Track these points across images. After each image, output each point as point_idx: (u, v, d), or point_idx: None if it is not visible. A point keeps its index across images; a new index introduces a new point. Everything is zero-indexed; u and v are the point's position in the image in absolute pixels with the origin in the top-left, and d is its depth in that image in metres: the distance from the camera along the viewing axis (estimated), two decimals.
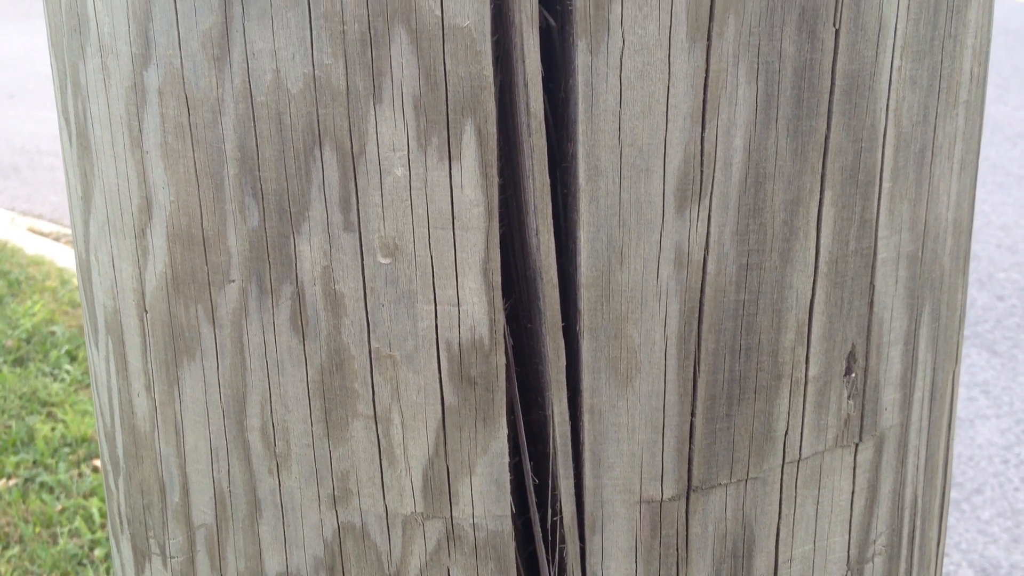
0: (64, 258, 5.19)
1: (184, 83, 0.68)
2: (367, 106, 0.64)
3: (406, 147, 0.65)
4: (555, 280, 0.67)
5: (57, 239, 5.61)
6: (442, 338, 0.68)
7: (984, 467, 3.63)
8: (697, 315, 0.68)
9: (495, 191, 0.65)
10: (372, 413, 0.69)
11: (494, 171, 0.65)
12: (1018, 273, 4.89)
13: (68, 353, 4.21)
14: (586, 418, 0.69)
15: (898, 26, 0.68)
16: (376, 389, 0.69)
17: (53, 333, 4.35)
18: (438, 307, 0.67)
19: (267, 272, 0.69)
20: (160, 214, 0.71)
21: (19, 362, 4.17)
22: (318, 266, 0.68)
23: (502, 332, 0.67)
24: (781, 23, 0.65)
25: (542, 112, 0.65)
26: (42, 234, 5.66)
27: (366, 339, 0.68)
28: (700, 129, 0.65)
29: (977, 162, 0.80)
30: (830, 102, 0.67)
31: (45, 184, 6.50)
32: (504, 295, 0.69)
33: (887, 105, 0.69)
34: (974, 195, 0.80)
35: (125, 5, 0.69)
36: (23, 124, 7.60)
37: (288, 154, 0.66)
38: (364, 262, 0.67)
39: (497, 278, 0.67)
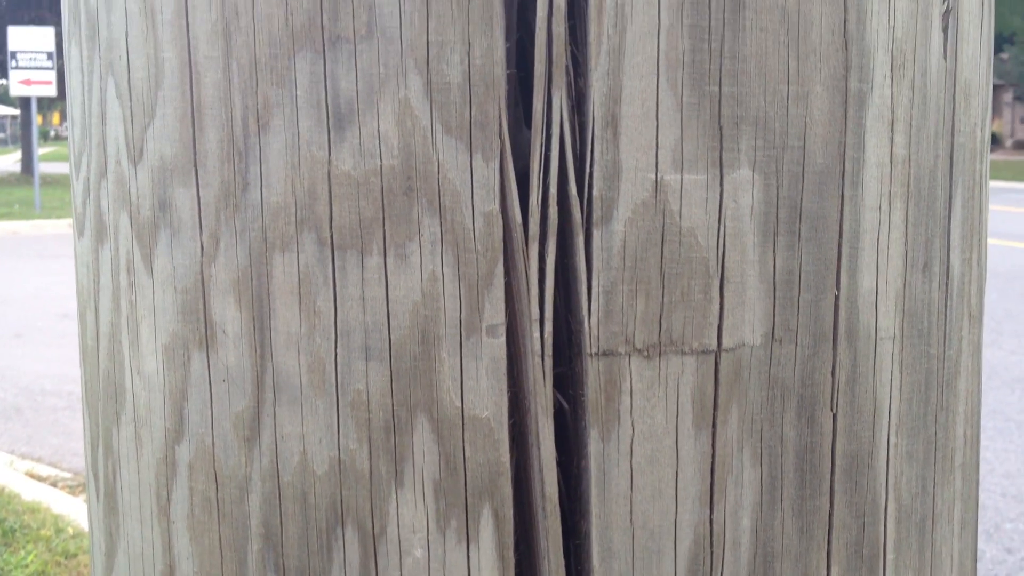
0: (60, 504, 5.14)
1: (214, 460, 0.71)
2: (389, 489, 0.68)
3: (426, 529, 0.67)
4: None
5: (55, 484, 5.57)
6: None
7: None
8: None
9: (511, 572, 0.68)
10: None
11: (510, 552, 0.67)
12: None
13: None
14: None
15: (892, 406, 0.72)
16: None
17: None
18: None
19: None
20: None
21: None
22: None
23: None
24: (781, 410, 0.69)
25: (556, 496, 0.68)
26: (40, 478, 5.63)
27: None
28: (709, 511, 0.68)
29: (976, 518, 0.83)
30: (832, 482, 0.70)
31: (47, 426, 6.52)
32: None
33: (887, 481, 0.72)
34: (975, 550, 0.83)
35: (162, 382, 0.73)
36: (29, 364, 7.69)
37: (311, 533, 0.69)
38: None
39: None
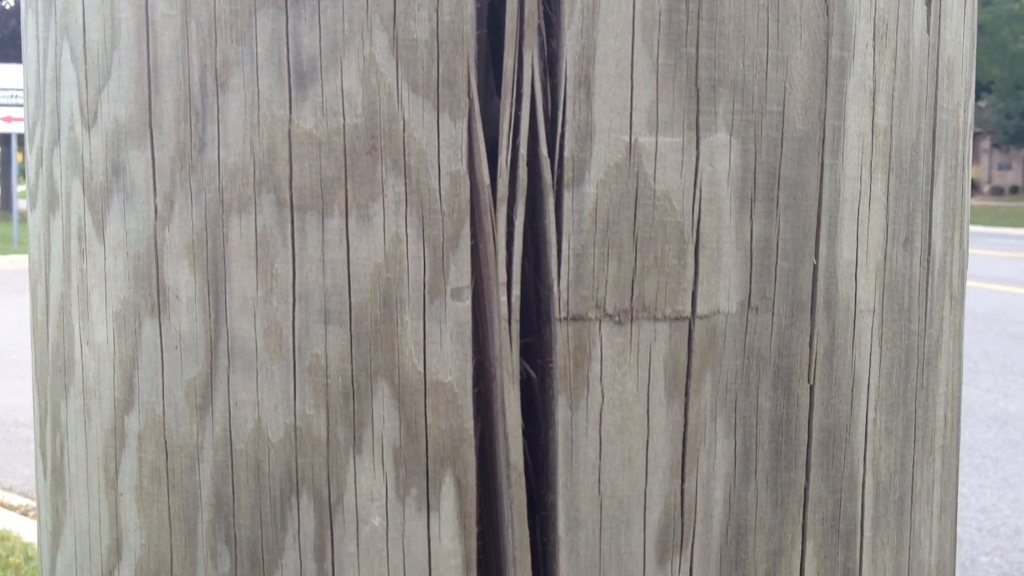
0: (30, 533, 5.05)
1: (165, 429, 0.68)
2: (347, 456, 0.65)
3: (384, 497, 0.64)
4: None
5: (25, 513, 5.48)
6: None
7: None
8: None
9: (473, 542, 0.65)
10: None
11: (472, 522, 0.64)
12: (1000, 557, 4.81)
13: None
14: None
15: (871, 381, 0.70)
16: None
17: None
18: None
19: None
20: (130, 557, 0.70)
21: None
22: None
23: None
24: (757, 380, 0.66)
25: (522, 464, 0.65)
26: (10, 507, 5.54)
27: None
28: (680, 481, 0.65)
29: (956, 503, 0.80)
30: (808, 455, 0.68)
31: (19, 456, 6.43)
32: None
33: (864, 456, 0.70)
34: (955, 536, 0.80)
35: (112, 352, 0.70)
36: (3, 396, 7.60)
37: (264, 502, 0.66)
38: None
39: None
